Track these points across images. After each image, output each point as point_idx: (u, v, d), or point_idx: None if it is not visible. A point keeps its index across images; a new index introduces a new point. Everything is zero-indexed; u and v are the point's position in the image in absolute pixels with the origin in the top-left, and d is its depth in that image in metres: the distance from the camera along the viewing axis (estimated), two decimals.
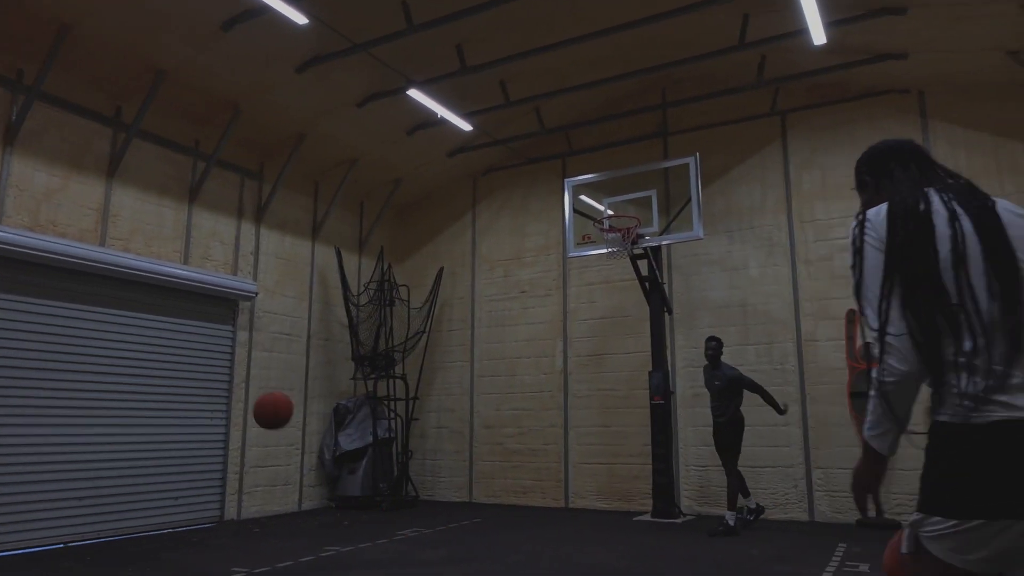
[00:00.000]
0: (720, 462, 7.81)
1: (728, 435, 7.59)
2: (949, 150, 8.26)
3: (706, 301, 9.40)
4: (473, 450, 10.68)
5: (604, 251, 9.01)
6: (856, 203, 2.14)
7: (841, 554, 6.28)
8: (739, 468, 7.68)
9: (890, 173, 2.01)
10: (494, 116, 9.82)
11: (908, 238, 1.79)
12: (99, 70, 7.41)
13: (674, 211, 8.91)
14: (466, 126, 9.47)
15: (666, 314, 9.15)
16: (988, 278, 1.73)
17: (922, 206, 1.83)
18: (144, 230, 8.06)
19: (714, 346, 7.69)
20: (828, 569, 5.67)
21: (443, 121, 9.43)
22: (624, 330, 9.85)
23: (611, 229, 8.89)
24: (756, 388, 7.62)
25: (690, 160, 8.70)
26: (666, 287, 9.35)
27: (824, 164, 8.96)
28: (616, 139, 10.32)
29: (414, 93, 8.57)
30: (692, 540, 7.12)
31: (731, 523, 7.34)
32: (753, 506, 7.85)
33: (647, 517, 8.57)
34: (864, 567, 5.68)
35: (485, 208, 11.42)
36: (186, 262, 8.43)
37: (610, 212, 9.20)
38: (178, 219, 8.45)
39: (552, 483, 9.98)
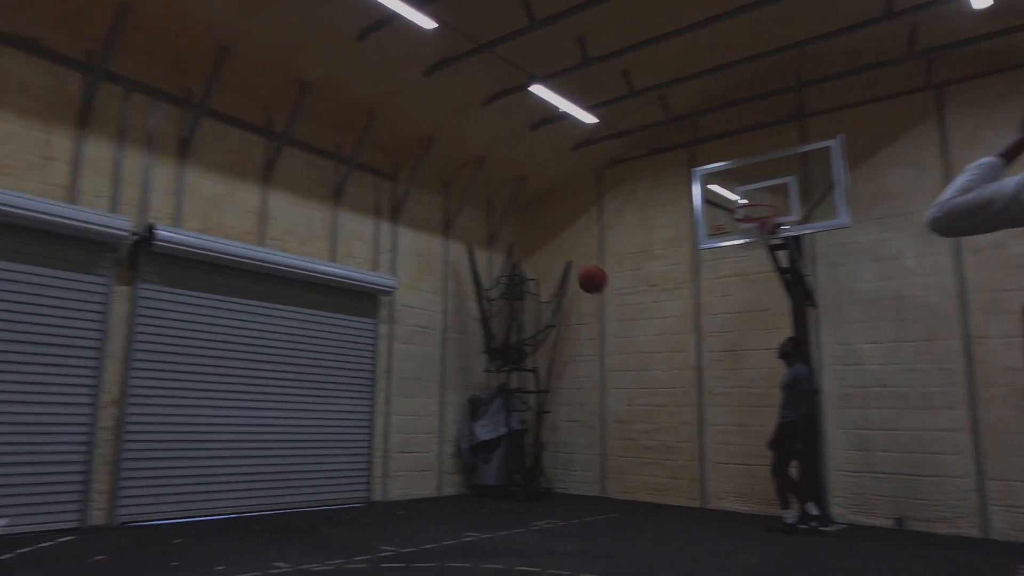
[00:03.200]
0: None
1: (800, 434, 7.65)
2: None
3: (855, 293, 8.84)
4: (605, 445, 10.65)
5: (739, 242, 8.70)
6: None
7: None
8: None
9: None
10: (618, 107, 9.74)
11: None
12: (253, 85, 8.06)
13: (815, 198, 8.45)
14: (589, 119, 9.45)
15: (810, 308, 8.70)
16: None
17: None
18: (296, 231, 8.69)
19: (788, 343, 7.92)
20: None
21: (566, 115, 9.46)
22: (763, 325, 9.46)
23: (746, 219, 8.56)
24: (799, 397, 7.63)
25: (832, 143, 8.22)
26: (809, 279, 8.89)
27: (991, 141, 8.15)
28: (747, 124, 9.93)
29: (537, 89, 8.65)
30: (844, 550, 6.71)
31: (787, 520, 7.42)
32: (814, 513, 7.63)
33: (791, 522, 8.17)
34: None
35: (611, 201, 11.35)
36: (333, 259, 9.00)
37: (744, 201, 8.87)
38: (324, 220, 9.04)
39: (688, 481, 9.77)
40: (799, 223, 8.44)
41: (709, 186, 9.27)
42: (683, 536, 7.21)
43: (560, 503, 9.60)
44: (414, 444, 9.77)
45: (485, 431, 10.18)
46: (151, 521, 6.96)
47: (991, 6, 6.69)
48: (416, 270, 10.21)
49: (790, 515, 7.43)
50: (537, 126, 10.00)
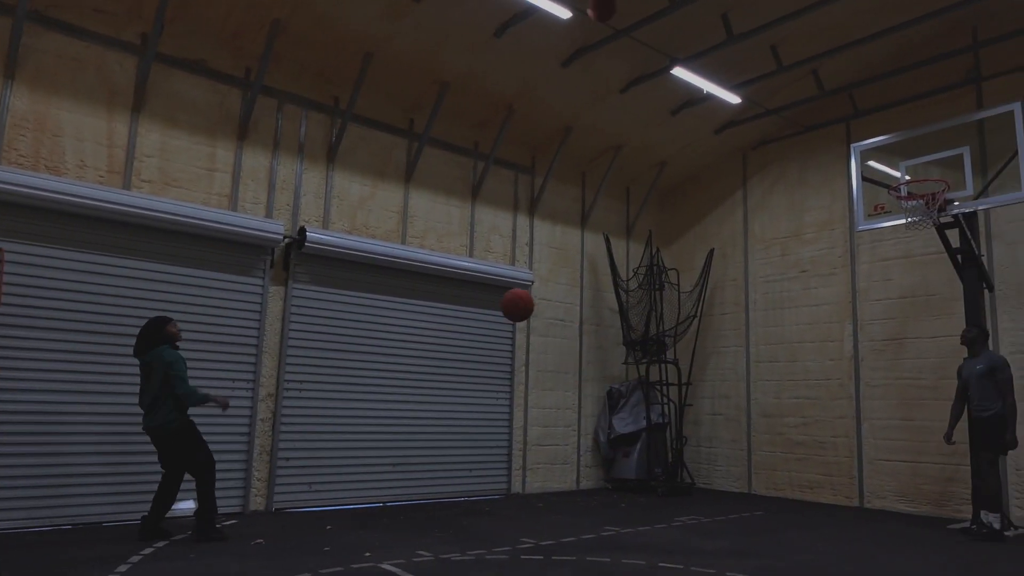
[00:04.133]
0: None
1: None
2: None
3: None
4: (751, 439, 10.17)
5: (902, 221, 7.92)
6: None
7: None
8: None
9: None
10: (765, 85, 9.20)
11: None
12: (395, 88, 8.39)
13: (994, 169, 7.53)
14: (734, 99, 9.00)
15: (986, 291, 7.80)
16: None
17: None
18: (436, 228, 8.97)
19: (974, 330, 7.10)
20: None
21: (709, 97, 9.07)
22: (930, 311, 8.60)
23: (911, 196, 7.78)
24: (1002, 386, 6.79)
25: (1016, 106, 7.26)
26: (984, 260, 7.97)
27: None
28: (912, 93, 9.02)
29: (678, 71, 8.36)
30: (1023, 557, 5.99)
31: (995, 526, 6.61)
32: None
33: (966, 525, 7.40)
34: None
35: (757, 184, 10.76)
36: (471, 255, 9.22)
37: (908, 177, 8.07)
38: (463, 216, 9.27)
39: (844, 479, 9.11)
40: (974, 198, 7.57)
41: (868, 163, 8.54)
42: (838, 536, 6.72)
43: (703, 499, 9.28)
44: (552, 437, 9.83)
45: (624, 424, 10.04)
46: (304, 508, 7.47)
47: None
48: (553, 263, 10.23)
49: (996, 519, 6.66)
50: (678, 110, 9.67)
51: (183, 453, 5.63)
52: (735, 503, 9.01)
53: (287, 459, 7.43)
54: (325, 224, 8.00)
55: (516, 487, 9.28)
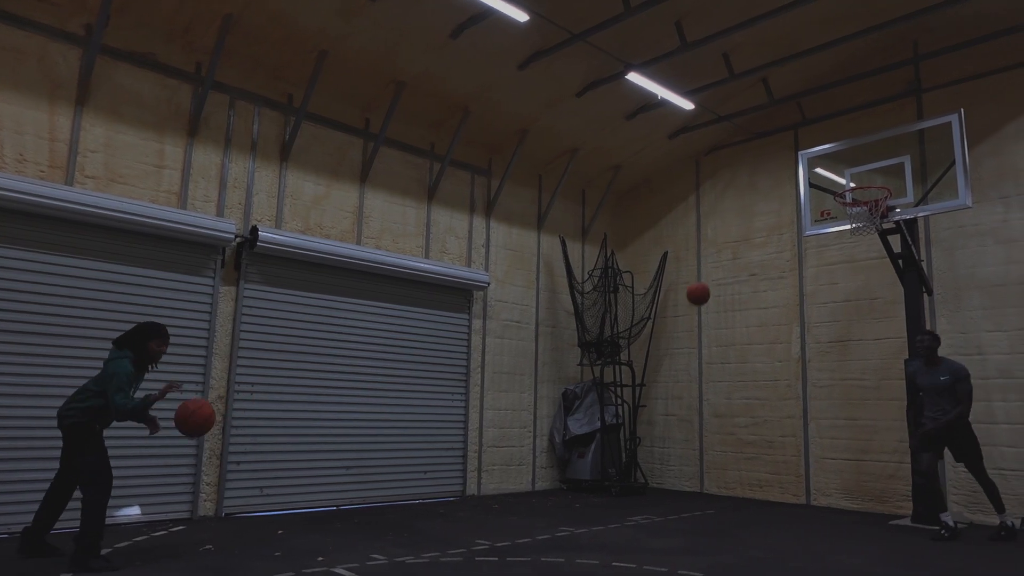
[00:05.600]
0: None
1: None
2: None
3: (975, 279, 8.17)
4: (703, 439, 10.36)
5: (847, 227, 8.20)
6: None
7: None
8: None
9: None
10: (717, 92, 9.40)
11: None
12: (350, 87, 8.30)
13: (933, 178, 7.85)
14: (687, 105, 9.17)
15: (925, 295, 8.12)
16: None
17: None
18: (391, 229, 8.90)
19: (931, 340, 6.97)
20: None
21: (663, 103, 9.22)
22: (873, 314, 8.91)
23: (855, 202, 8.06)
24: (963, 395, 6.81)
25: (952, 118, 7.60)
26: (924, 264, 8.29)
27: None
28: (857, 103, 9.34)
29: (633, 77, 8.47)
30: (964, 551, 6.23)
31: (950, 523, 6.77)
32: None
33: (906, 521, 7.69)
34: None
35: (709, 189, 10.98)
36: (427, 256, 9.18)
37: (853, 184, 8.35)
38: (419, 217, 9.22)
39: (792, 477, 9.36)
40: (914, 205, 7.88)
41: (815, 170, 8.81)
42: (786, 533, 6.90)
43: (656, 498, 9.42)
44: (508, 438, 9.84)
45: (579, 425, 10.12)
46: (255, 512, 7.31)
47: None
48: (509, 264, 10.25)
49: (950, 516, 6.79)
50: (633, 115, 9.80)
51: (77, 452, 4.88)
52: (687, 502, 9.16)
53: (238, 463, 7.27)
54: (278, 223, 7.86)
55: (472, 489, 9.26)
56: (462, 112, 9.07)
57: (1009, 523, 6.68)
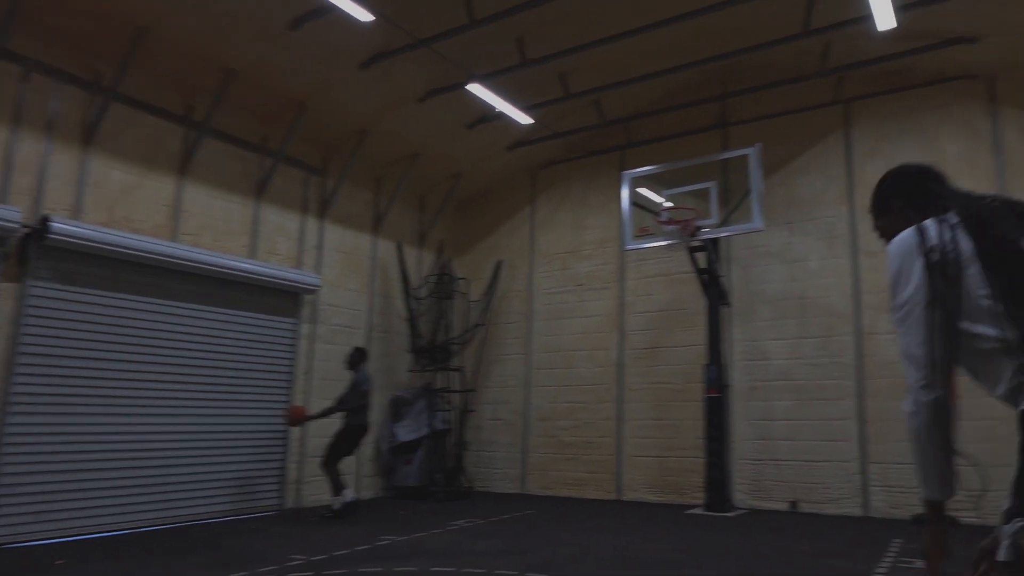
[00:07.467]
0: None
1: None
2: (1020, 138, 7.92)
3: (764, 294, 9.22)
4: (528, 442, 10.74)
5: (662, 243, 8.91)
6: None
7: (896, 550, 6.17)
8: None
9: (928, 192, 1.96)
10: (554, 109, 9.80)
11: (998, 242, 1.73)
12: (172, 70, 7.72)
13: (734, 203, 8.72)
14: (525, 119, 9.45)
15: (724, 307, 9.00)
16: None
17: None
18: (213, 225, 8.37)
19: (357, 353, 8.52)
20: (882, 565, 5.56)
21: (502, 115, 9.45)
22: (681, 323, 9.73)
23: (669, 221, 8.77)
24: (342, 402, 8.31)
25: (750, 151, 8.49)
26: (724, 280, 9.18)
27: (891, 153, 8.62)
28: (675, 131, 10.16)
29: (474, 88, 8.60)
30: (745, 533, 7.06)
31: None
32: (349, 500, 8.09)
33: (699, 511, 8.48)
34: (920, 563, 5.48)
35: (544, 202, 11.42)
36: (253, 256, 8.72)
37: (669, 204, 9.07)
38: (245, 215, 8.75)
39: (606, 475, 9.96)
40: (717, 226, 8.71)
41: (637, 189, 9.46)
42: (599, 527, 7.35)
43: (480, 502, 9.61)
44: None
45: (406, 432, 10.08)
46: (33, 541, 6.38)
47: (894, 29, 7.00)
48: (342, 268, 10.01)
49: (338, 501, 7.99)
50: (473, 125, 9.95)
51: None
52: (510, 504, 9.43)
53: (13, 484, 6.31)
54: (76, 214, 7.07)
55: (291, 502, 8.88)
56: (298, 107, 8.76)
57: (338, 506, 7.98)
